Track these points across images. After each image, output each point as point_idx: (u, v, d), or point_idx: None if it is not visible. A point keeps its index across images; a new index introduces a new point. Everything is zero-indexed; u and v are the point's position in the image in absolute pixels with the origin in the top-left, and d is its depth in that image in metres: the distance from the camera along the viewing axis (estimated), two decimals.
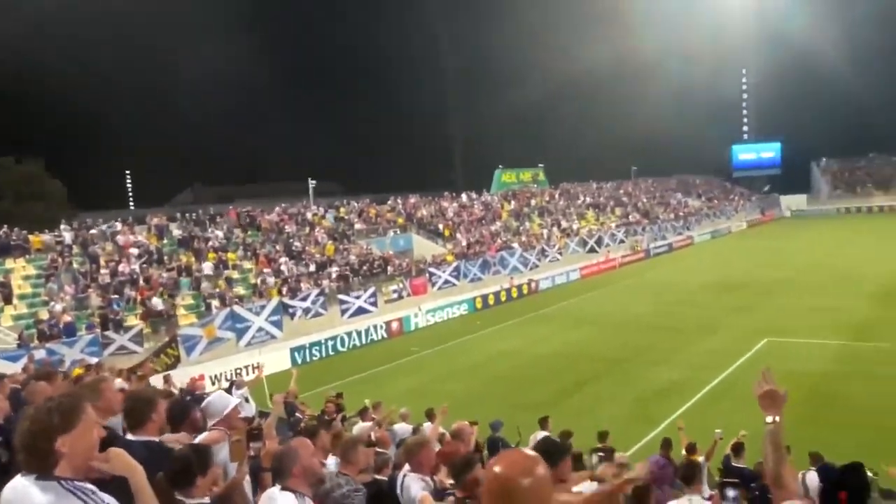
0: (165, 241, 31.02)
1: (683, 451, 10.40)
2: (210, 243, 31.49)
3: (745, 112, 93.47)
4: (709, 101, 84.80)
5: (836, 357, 20.47)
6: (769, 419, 2.95)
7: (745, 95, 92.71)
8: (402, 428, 11.03)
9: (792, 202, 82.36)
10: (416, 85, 77.29)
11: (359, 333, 28.32)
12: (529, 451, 2.13)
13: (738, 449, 9.93)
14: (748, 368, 19.77)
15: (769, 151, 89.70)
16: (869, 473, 8.47)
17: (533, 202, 55.72)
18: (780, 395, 2.98)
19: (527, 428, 11.62)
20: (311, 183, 42.26)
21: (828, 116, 79.30)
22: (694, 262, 46.67)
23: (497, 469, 1.98)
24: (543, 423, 11.45)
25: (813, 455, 9.86)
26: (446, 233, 42.55)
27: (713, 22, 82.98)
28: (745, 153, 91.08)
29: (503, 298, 36.04)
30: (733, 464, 9.71)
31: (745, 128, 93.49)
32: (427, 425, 11.06)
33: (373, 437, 8.82)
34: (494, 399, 18.47)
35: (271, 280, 29.65)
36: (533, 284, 38.69)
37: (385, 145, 72.94)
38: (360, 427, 10.82)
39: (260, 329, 24.22)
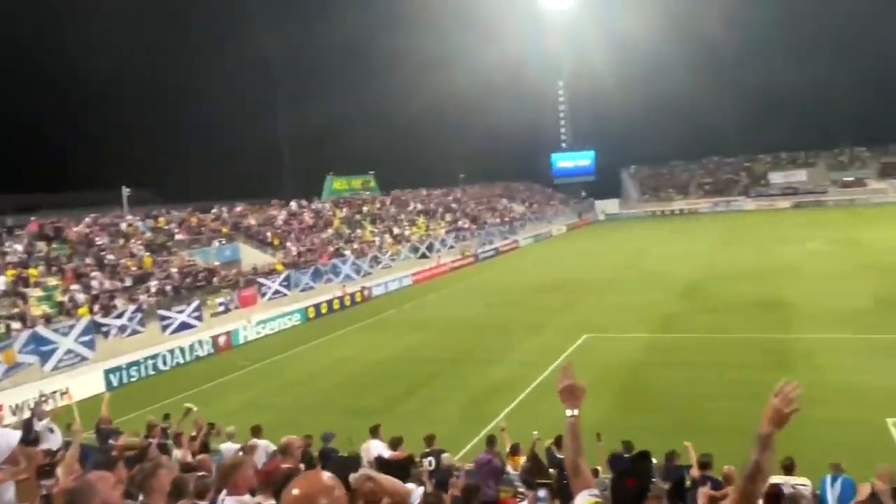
0: None
1: (507, 451, 10.76)
2: (7, 258, 28.32)
3: (562, 122, 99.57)
4: (530, 112, 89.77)
5: (646, 348, 22.20)
6: (569, 412, 3.03)
7: (561, 107, 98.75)
8: (229, 448, 10.47)
9: (606, 206, 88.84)
10: (239, 89, 74.52)
11: (182, 350, 26.65)
12: (326, 476, 2.07)
13: (560, 441, 10.38)
14: (571, 363, 20.99)
15: (584, 159, 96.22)
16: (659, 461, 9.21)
17: (365, 209, 55.67)
18: (579, 389, 3.06)
19: (359, 436, 11.49)
20: (126, 191, 39.32)
21: (636, 128, 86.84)
22: (520, 265, 48.87)
23: (295, 491, 1.95)
24: (374, 431, 11.37)
25: (625, 443, 10.57)
26: (275, 241, 41.32)
27: (533, 36, 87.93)
28: (564, 161, 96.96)
29: (336, 307, 35.60)
30: (557, 455, 10.12)
31: (563, 137, 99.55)
32: (257, 442, 10.58)
33: (191, 461, 8.27)
34: (329, 409, 18.18)
35: (81, 297, 27.16)
36: (366, 292, 38.58)
37: (206, 151, 69.44)
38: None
39: (69, 351, 22.17)
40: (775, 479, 8.76)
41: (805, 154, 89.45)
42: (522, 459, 10.47)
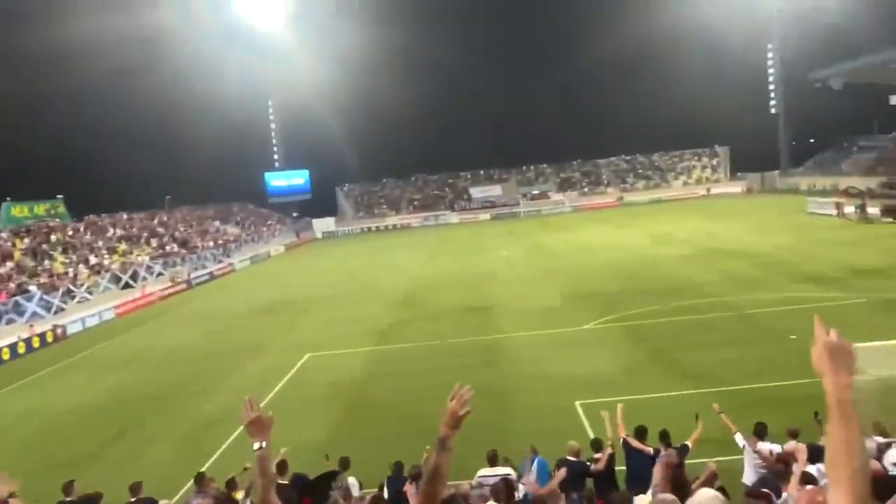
0: None
1: (224, 487, 10.23)
2: None
3: (274, 142, 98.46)
4: (241, 132, 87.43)
5: (368, 361, 22.73)
6: (256, 445, 2.99)
7: (273, 126, 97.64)
8: None
9: (323, 225, 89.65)
10: None
11: None
12: None
13: (282, 467, 10.13)
14: (294, 384, 20.83)
15: (299, 178, 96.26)
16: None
17: (53, 238, 49.48)
18: (266, 421, 3.04)
19: (57, 493, 10.13)
20: None
21: (348, 147, 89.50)
22: (236, 289, 47.19)
23: None
24: (67, 489, 10.03)
25: (342, 459, 10.56)
26: None
27: (241, 55, 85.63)
28: (278, 180, 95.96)
29: (22, 350, 31.02)
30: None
31: (276, 157, 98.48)
32: None
33: None
34: (21, 466, 15.72)
35: None
36: (59, 330, 34.24)
37: None
38: None
39: None
40: (483, 472, 9.45)
41: (499, 171, 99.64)
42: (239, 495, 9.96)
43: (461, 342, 23.55)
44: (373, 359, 23.08)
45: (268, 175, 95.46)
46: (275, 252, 71.00)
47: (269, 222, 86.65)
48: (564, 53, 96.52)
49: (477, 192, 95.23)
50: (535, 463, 9.86)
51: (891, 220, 43.72)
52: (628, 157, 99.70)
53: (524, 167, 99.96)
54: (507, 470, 9.58)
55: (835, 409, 2.03)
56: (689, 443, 9.75)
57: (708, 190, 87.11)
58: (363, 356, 23.44)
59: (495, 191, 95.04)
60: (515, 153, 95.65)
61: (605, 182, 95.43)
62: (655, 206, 78.41)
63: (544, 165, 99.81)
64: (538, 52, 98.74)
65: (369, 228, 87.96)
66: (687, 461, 9.04)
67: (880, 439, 8.40)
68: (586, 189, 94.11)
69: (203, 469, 12.83)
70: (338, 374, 21.24)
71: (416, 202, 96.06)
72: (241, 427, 11.47)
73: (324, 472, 7.63)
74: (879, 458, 7.66)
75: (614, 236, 51.30)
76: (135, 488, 9.94)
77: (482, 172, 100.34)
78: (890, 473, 7.04)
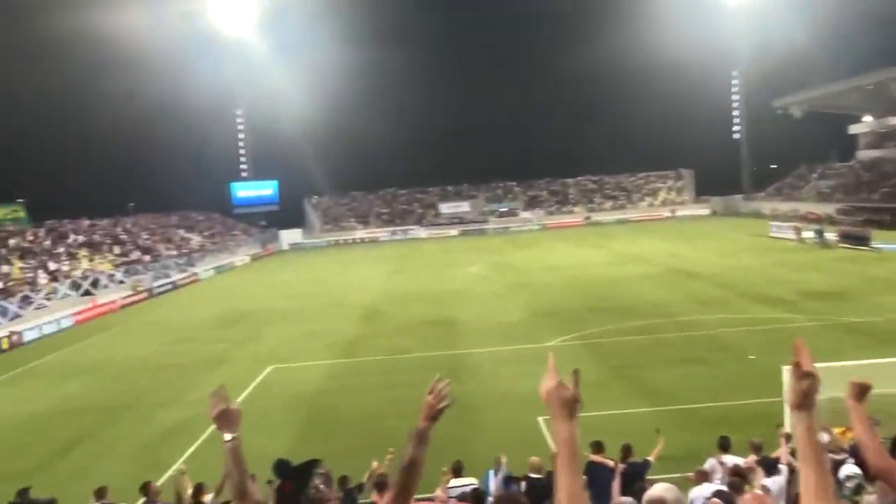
0: None
1: (190, 498, 10.09)
2: None
3: (241, 152, 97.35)
4: (207, 140, 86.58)
5: (331, 374, 22.57)
6: (228, 437, 2.97)
7: (241, 136, 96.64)
8: None
9: (290, 236, 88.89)
10: None
11: None
12: None
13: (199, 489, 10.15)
14: (256, 397, 20.55)
15: (267, 189, 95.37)
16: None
17: (11, 242, 48.34)
18: (234, 413, 3.01)
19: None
20: None
21: (316, 159, 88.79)
22: (199, 299, 46.48)
23: None
24: (23, 494, 9.84)
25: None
26: None
27: (208, 63, 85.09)
28: (244, 190, 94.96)
29: None
30: None
31: (244, 167, 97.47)
32: None
33: None
34: None
35: None
36: (15, 337, 33.34)
37: None
38: None
39: None
40: (452, 483, 9.49)
41: (468, 187, 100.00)
42: (209, 497, 9.85)
43: (425, 356, 23.51)
44: (336, 372, 22.91)
45: (233, 185, 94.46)
46: (240, 262, 70.16)
47: (235, 232, 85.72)
48: (537, 74, 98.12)
49: (445, 208, 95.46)
50: (501, 473, 9.91)
51: (847, 245, 44.93)
52: (595, 178, 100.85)
53: (493, 184, 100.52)
54: (472, 480, 9.65)
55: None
56: (650, 458, 9.88)
57: (673, 211, 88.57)
58: (326, 369, 23.26)
59: (464, 207, 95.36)
60: (484, 170, 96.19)
61: (573, 201, 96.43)
62: (621, 227, 79.49)
63: (513, 183, 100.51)
64: (510, 71, 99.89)
65: (337, 241, 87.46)
66: (649, 476, 9.17)
67: (834, 455, 8.63)
68: (554, 208, 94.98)
69: (159, 482, 12.57)
70: (301, 387, 21.04)
71: (384, 216, 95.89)
72: (200, 438, 11.42)
73: (306, 460, 7.50)
74: (835, 471, 7.91)
75: (581, 255, 51.82)
76: (99, 493, 9.76)
77: (451, 188, 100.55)
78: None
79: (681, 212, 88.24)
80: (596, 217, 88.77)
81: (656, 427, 10.69)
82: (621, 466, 9.24)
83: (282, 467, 8.73)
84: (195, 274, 58.41)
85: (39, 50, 65.55)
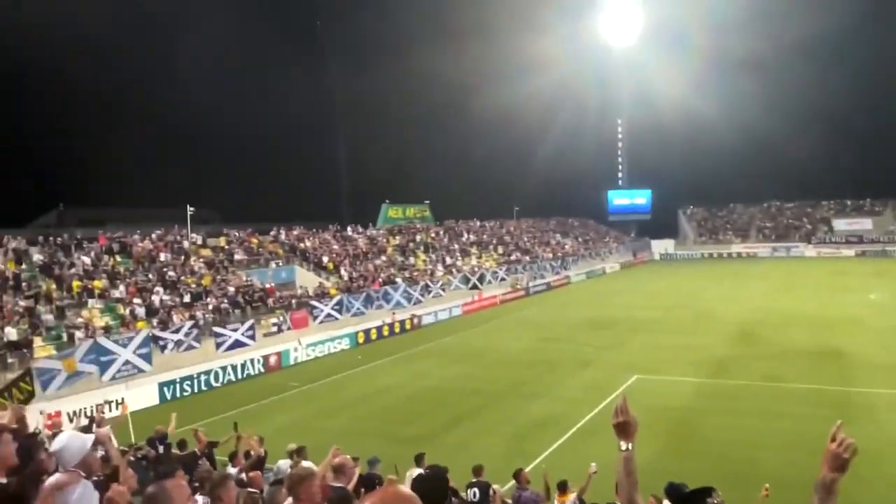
0: (24, 267, 28.80)
1: (556, 493, 10.54)
2: (74, 270, 29.53)
3: (619, 160, 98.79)
4: (587, 149, 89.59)
5: (697, 393, 21.69)
6: (623, 446, 3.05)
7: (620, 144, 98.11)
8: (287, 464, 10.68)
9: (661, 246, 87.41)
10: (302, 118, 76.45)
11: (234, 368, 27.23)
12: (404, 489, 2.09)
13: (563, 487, 10.29)
14: (626, 398, 20.65)
15: (641, 198, 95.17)
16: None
17: (418, 238, 56.20)
18: (633, 424, 3.08)
19: (403, 464, 11.54)
20: (189, 210, 40.39)
21: (693, 168, 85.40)
22: (570, 301, 48.41)
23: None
24: (419, 459, 11.41)
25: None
26: (330, 266, 42.01)
27: (595, 74, 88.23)
28: (620, 198, 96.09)
29: (385, 333, 35.88)
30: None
31: (620, 175, 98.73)
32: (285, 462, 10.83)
33: (244, 477, 8.46)
34: (374, 435, 18.25)
35: (141, 311, 28.10)
36: (416, 320, 38.79)
37: (267, 175, 71.24)
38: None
39: (126, 362, 22.83)
40: None
41: (871, 201, 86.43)
42: (572, 496, 10.26)
43: (807, 388, 21.18)
44: (705, 391, 21.94)
45: (611, 193, 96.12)
46: (610, 269, 71.28)
47: (607, 239, 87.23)
48: None
49: (841, 225, 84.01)
50: None
51: None
52: None
53: None
54: None
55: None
56: None
57: None
58: (693, 386, 22.41)
59: (864, 224, 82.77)
60: (894, 181, 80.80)
61: None
62: None
63: None
64: None
65: (710, 254, 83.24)
66: None
67: None
68: None
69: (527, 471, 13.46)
70: (664, 401, 20.56)
71: (766, 230, 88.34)
72: (567, 435, 11.90)
73: (701, 487, 7.44)
74: None
75: None
76: (477, 470, 10.93)
77: (849, 202, 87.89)
78: None
79: None
80: None
81: None
82: None
83: (674, 491, 8.70)
84: (567, 277, 61.06)
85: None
